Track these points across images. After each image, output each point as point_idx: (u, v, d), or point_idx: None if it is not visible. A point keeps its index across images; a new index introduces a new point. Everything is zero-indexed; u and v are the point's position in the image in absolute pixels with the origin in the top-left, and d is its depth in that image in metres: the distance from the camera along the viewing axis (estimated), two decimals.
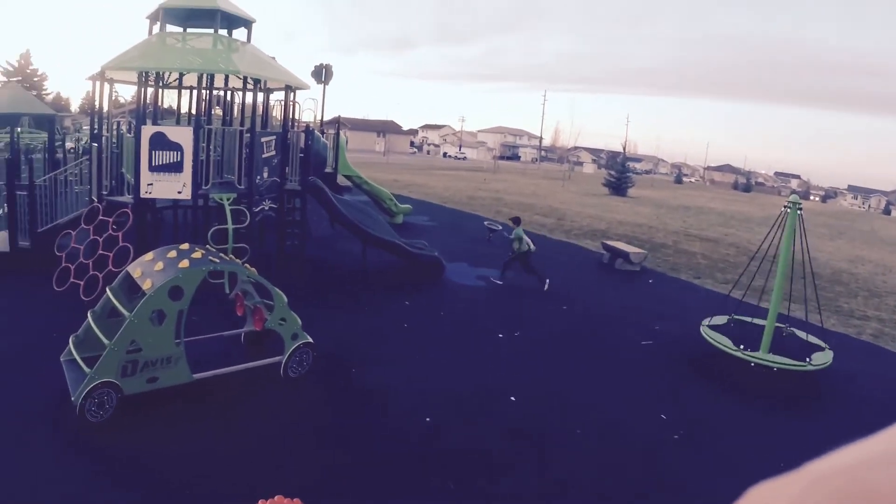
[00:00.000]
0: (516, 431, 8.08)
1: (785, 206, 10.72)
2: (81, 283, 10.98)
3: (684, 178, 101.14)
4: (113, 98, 13.55)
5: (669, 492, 7.01)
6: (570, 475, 7.18)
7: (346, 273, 14.44)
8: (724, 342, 10.63)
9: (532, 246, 15.09)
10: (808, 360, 10.14)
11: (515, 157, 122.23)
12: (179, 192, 11.75)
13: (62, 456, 6.78)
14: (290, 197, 14.35)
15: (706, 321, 11.61)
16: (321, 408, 8.22)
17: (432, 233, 20.75)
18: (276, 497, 4.22)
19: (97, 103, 13.83)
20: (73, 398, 7.26)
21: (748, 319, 11.89)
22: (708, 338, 10.91)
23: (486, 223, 20.60)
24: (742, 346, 10.39)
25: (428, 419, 8.13)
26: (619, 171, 48.47)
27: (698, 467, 7.52)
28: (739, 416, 8.96)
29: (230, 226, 11.57)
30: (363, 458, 7.15)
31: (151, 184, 11.54)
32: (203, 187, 12.14)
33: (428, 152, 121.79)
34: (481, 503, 6.40)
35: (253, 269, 8.86)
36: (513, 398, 8.99)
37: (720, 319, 11.80)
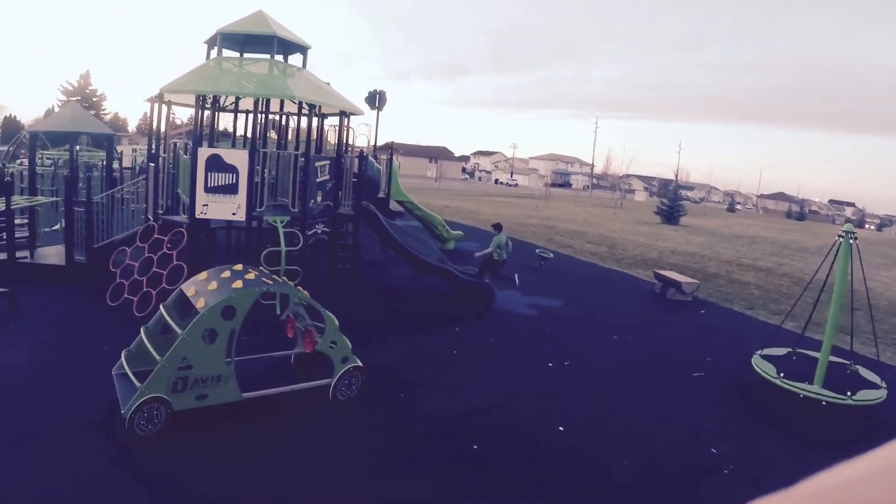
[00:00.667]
0: (563, 462, 7.96)
1: (839, 235, 10.44)
2: (135, 299, 11.14)
3: (737, 206, 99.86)
4: (170, 119, 13.75)
5: None
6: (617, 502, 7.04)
7: (396, 298, 14.44)
8: (774, 374, 10.38)
9: (504, 255, 15.38)
10: (848, 394, 9.82)
11: (567, 185, 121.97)
12: (234, 214, 11.88)
13: (109, 468, 6.84)
14: (342, 221, 14.44)
15: (759, 353, 11.32)
16: (369, 432, 8.17)
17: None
18: None
19: (155, 124, 14.09)
20: (122, 411, 7.36)
21: (803, 352, 11.56)
22: (760, 370, 10.65)
23: (537, 251, 20.51)
24: (782, 375, 10.14)
25: (475, 447, 8.05)
26: (671, 199, 47.89)
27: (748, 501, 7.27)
28: (790, 452, 8.69)
29: (283, 248, 11.64)
30: (410, 486, 7.10)
31: (206, 204, 11.69)
32: (257, 209, 12.26)
33: (480, 179, 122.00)
34: None
35: (305, 291, 8.89)
36: (561, 428, 8.86)
37: (774, 351, 11.47)
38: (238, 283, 8.00)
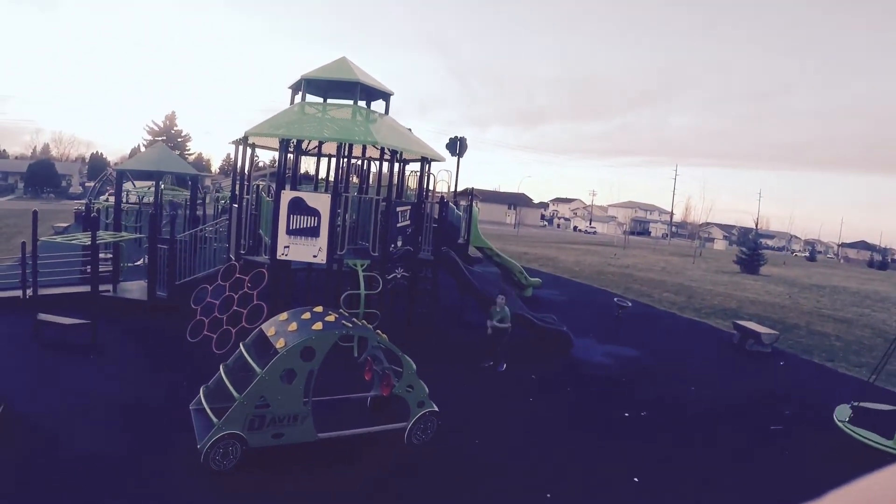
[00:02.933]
0: None
1: None
2: (214, 336, 11.33)
3: (818, 255, 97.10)
4: (254, 162, 14.10)
5: None
6: None
7: (474, 343, 14.37)
8: (858, 431, 9.91)
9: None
10: None
11: (646, 233, 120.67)
12: (315, 256, 12.03)
13: (186, 499, 6.92)
14: (421, 266, 14.51)
15: (840, 407, 10.77)
16: (441, 474, 8.06)
17: (561, 307, 20.48)
18: None
19: (239, 166, 14.42)
20: (199, 446, 7.44)
21: (881, 407, 10.95)
22: (841, 425, 10.16)
23: (615, 299, 20.18)
24: (876, 441, 9.62)
25: (549, 495, 7.93)
26: (750, 248, 46.80)
27: None
28: None
29: (363, 291, 11.72)
30: None
31: (288, 246, 11.88)
32: (338, 252, 12.39)
33: (558, 226, 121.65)
34: None
35: (384, 335, 8.91)
36: (636, 479, 8.67)
37: (853, 406, 10.89)
38: (318, 325, 8.07)
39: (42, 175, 69.38)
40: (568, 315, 17.39)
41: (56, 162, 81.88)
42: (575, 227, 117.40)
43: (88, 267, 14.07)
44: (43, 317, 11.45)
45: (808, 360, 16.48)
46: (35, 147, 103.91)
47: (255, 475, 7.53)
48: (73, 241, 14.79)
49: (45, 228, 17.81)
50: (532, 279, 22.67)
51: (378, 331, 9.08)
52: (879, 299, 32.41)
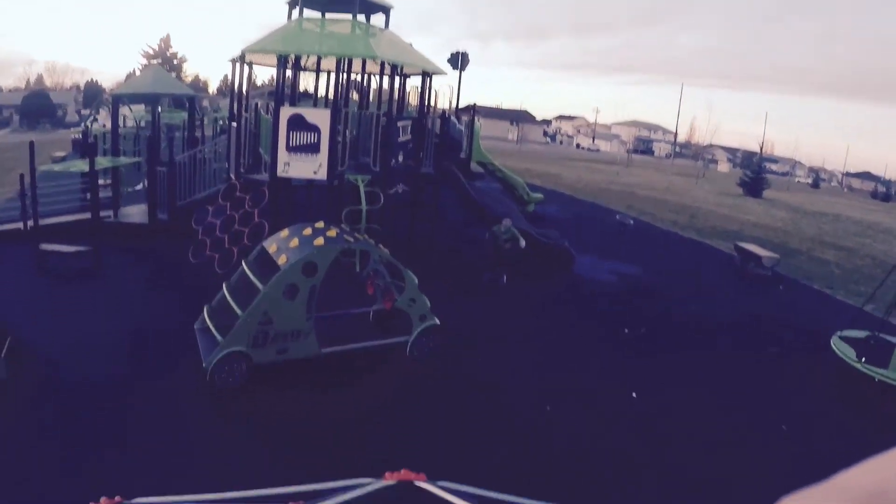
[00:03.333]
0: (634, 428, 7.92)
1: None
2: (217, 256, 11.28)
3: (822, 183, 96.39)
4: (251, 80, 13.82)
5: None
6: (690, 478, 6.97)
7: (476, 258, 14.35)
8: (853, 357, 9.94)
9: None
10: None
11: (649, 152, 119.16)
12: (315, 173, 11.88)
13: (193, 419, 6.99)
14: (423, 181, 14.41)
15: (838, 333, 10.84)
16: (444, 389, 8.12)
17: (563, 223, 20.36)
18: (402, 470, 4.08)
19: (237, 85, 14.16)
20: (204, 365, 7.46)
21: (884, 336, 10.94)
22: (838, 351, 10.22)
23: (618, 217, 20.12)
24: (864, 360, 9.68)
25: (548, 408, 8.00)
26: (754, 172, 46.52)
27: (813, 482, 7.03)
28: (859, 436, 8.34)
29: (364, 207, 11.63)
30: (484, 441, 7.14)
31: (288, 163, 11.73)
32: (339, 168, 12.24)
33: (561, 143, 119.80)
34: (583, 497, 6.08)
35: (385, 249, 8.86)
36: (634, 394, 8.78)
37: (854, 333, 10.88)
38: (320, 241, 7.99)
39: (37, 106, 68.37)
40: (570, 232, 17.28)
41: (51, 92, 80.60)
42: (578, 145, 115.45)
43: (88, 194, 13.93)
44: (45, 246, 11.37)
45: (808, 286, 16.48)
46: (28, 79, 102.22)
47: (259, 392, 7.58)
48: (71, 169, 14.67)
49: (44, 159, 17.63)
50: (534, 195, 22.46)
51: (380, 245, 9.02)
52: (881, 230, 32.22)
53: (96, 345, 8.31)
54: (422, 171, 13.92)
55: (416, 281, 8.80)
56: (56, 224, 13.51)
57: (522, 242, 12.27)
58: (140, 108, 23.95)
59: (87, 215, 13.55)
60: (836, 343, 10.44)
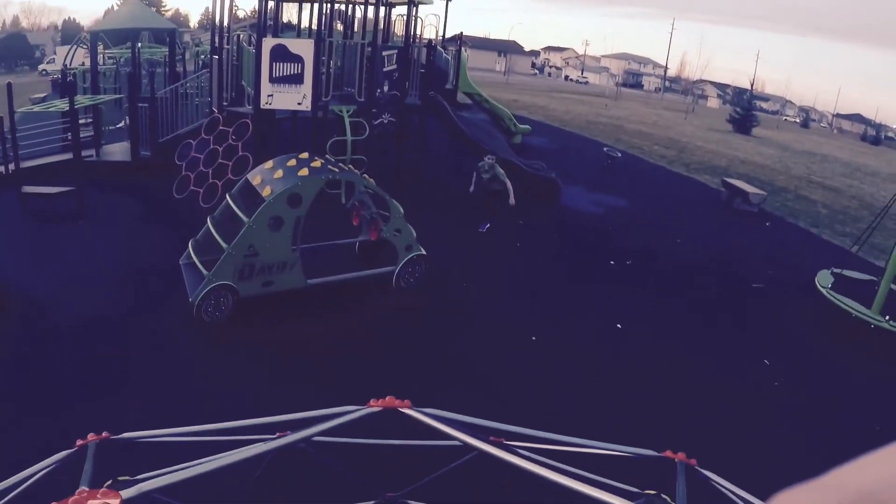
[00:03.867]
0: (619, 361, 7.98)
1: None
2: (201, 190, 11.15)
3: (811, 123, 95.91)
4: (233, 12, 13.48)
5: (759, 436, 6.79)
6: (667, 405, 7.09)
7: (463, 189, 14.27)
8: (839, 297, 9.94)
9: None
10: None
11: (638, 86, 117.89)
12: (299, 104, 11.71)
13: (181, 352, 7.00)
14: (409, 112, 14.24)
15: (822, 274, 10.85)
16: (430, 318, 8.14)
17: (550, 155, 20.12)
18: (387, 397, 4.07)
19: (218, 17, 13.84)
20: (190, 299, 7.41)
21: (862, 276, 11.02)
22: (823, 290, 10.24)
23: (605, 149, 20.03)
24: (874, 317, 9.60)
25: (534, 338, 8.02)
26: (744, 109, 46.27)
27: (790, 416, 7.25)
28: (843, 373, 8.49)
29: (349, 137, 11.50)
30: (469, 369, 7.24)
31: (271, 95, 11.54)
32: (323, 99, 12.05)
33: (549, 75, 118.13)
34: (575, 423, 6.20)
35: (371, 179, 8.77)
36: (619, 325, 8.84)
37: (837, 272, 10.90)
38: (304, 171, 7.89)
39: (14, 49, 67.07)
40: (557, 163, 17.10)
41: (27, 33, 78.99)
42: (566, 77, 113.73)
43: (69, 134, 13.67)
44: (27, 188, 11.19)
45: (794, 224, 16.47)
46: (4, 21, 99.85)
47: (246, 324, 7.57)
48: (50, 109, 14.36)
49: (23, 101, 17.25)
50: (521, 126, 22.21)
51: (365, 175, 8.92)
52: (869, 173, 32.10)
53: (82, 284, 8.23)
54: (407, 101, 13.73)
55: (402, 211, 8.73)
56: (38, 166, 13.28)
57: (512, 199, 11.51)
58: (119, 50, 23.41)
59: (69, 156, 13.30)
60: (820, 280, 10.48)
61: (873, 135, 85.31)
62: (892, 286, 10.26)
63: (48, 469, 3.52)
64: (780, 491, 0.54)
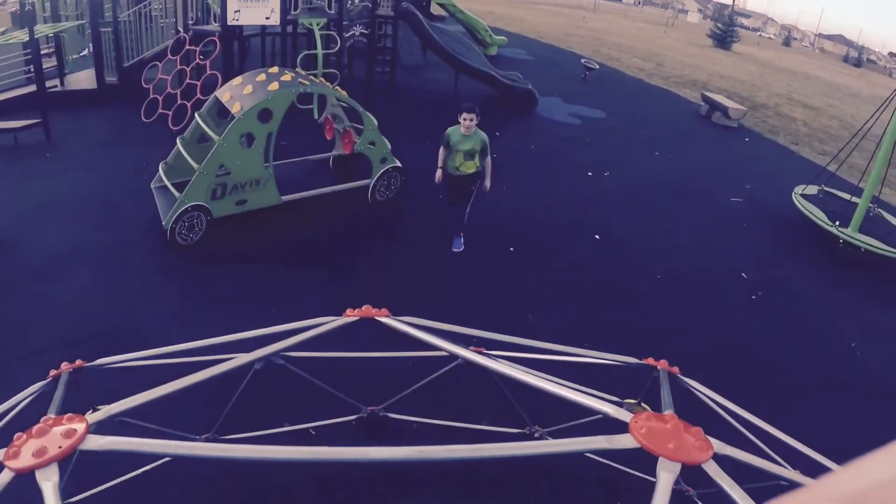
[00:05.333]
0: (597, 270, 8.02)
1: None
2: (170, 113, 10.85)
3: (793, 42, 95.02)
4: None
5: (735, 347, 6.86)
6: (643, 317, 7.12)
7: (437, 102, 14.02)
8: (815, 213, 10.01)
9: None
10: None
11: None
12: (267, 18, 11.31)
13: (157, 277, 6.86)
14: (381, 23, 13.91)
15: (799, 188, 10.86)
16: (407, 230, 8.08)
17: (526, 66, 19.84)
18: (363, 307, 3.98)
19: None
20: (163, 223, 7.24)
21: (841, 194, 10.99)
22: (799, 206, 10.27)
23: (582, 60, 19.76)
24: (838, 223, 9.66)
25: (511, 249, 7.99)
26: (725, 24, 45.77)
27: (769, 329, 7.30)
28: (817, 289, 8.55)
29: (320, 51, 11.19)
30: (447, 279, 7.28)
31: (238, 10, 11.11)
32: (292, 13, 11.69)
33: None
34: (553, 333, 6.13)
35: (343, 92, 8.53)
36: (597, 236, 8.87)
37: (813, 189, 10.94)
38: (274, 86, 7.63)
39: None
40: (533, 75, 16.81)
41: None
42: None
43: (31, 66, 13.21)
44: None
45: (773, 141, 16.34)
46: None
47: (221, 246, 7.45)
48: (10, 41, 13.85)
49: None
50: (497, 37, 21.80)
51: (337, 88, 8.68)
52: (850, 94, 31.83)
53: (55, 217, 7.95)
54: (379, 12, 13.37)
55: (376, 123, 8.55)
56: (1, 101, 12.89)
57: (488, 182, 7.76)
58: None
59: (33, 88, 12.89)
60: (797, 197, 10.48)
61: (855, 56, 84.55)
62: (870, 206, 10.34)
63: (25, 402, 3.43)
64: (768, 502, 0.56)
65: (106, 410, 2.63)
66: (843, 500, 0.45)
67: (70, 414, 2.52)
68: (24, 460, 2.22)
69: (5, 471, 2.20)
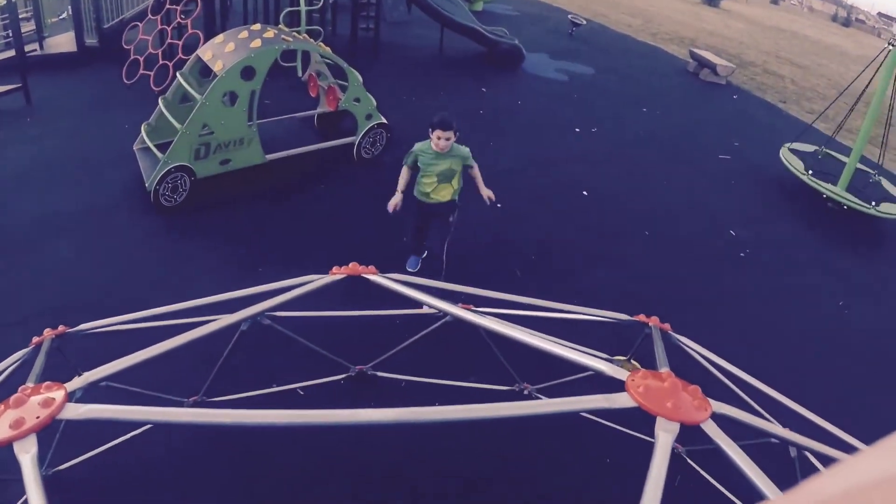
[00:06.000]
0: (585, 227, 8.02)
1: (890, 44, 9.68)
2: (151, 73, 10.67)
3: (781, 1, 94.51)
4: None
5: (725, 305, 6.90)
6: (632, 275, 7.12)
7: (422, 58, 13.85)
8: (800, 169, 10.00)
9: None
10: (873, 203, 9.33)
11: None
12: None
13: (142, 240, 6.80)
14: None
15: (787, 145, 10.83)
16: (392, 188, 8.04)
17: (513, 22, 19.50)
18: (350, 264, 3.93)
19: None
20: (146, 184, 7.15)
21: (836, 155, 10.99)
22: (787, 163, 10.26)
23: (569, 16, 19.58)
24: (810, 172, 9.75)
25: (499, 205, 7.95)
26: None
27: (758, 289, 7.33)
28: (806, 249, 8.59)
29: (303, 7, 11.02)
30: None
31: None
32: None
33: None
34: (540, 291, 6.07)
35: (327, 48, 8.41)
36: (585, 192, 8.85)
37: (802, 146, 10.92)
38: (257, 43, 7.50)
39: None
40: (519, 30, 16.57)
41: None
42: None
43: (9, 31, 12.96)
44: None
45: (761, 99, 16.22)
46: None
47: (205, 206, 7.37)
48: None
49: None
50: None
51: (321, 44, 8.55)
52: (839, 53, 31.60)
53: (37, 181, 7.82)
54: None
55: (361, 79, 8.43)
56: None
57: (486, 193, 6.38)
58: None
59: (12, 52, 12.66)
60: (784, 154, 10.49)
61: (844, 16, 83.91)
62: (871, 172, 10.37)
63: (8, 371, 3.39)
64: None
65: (85, 377, 2.58)
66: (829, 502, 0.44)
67: (48, 382, 2.46)
68: (2, 432, 2.16)
69: None
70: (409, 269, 6.53)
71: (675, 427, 2.25)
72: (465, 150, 6.12)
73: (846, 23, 76.02)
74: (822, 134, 11.43)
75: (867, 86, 10.25)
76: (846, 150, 10.96)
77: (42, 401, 2.29)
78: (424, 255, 6.70)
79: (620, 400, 2.40)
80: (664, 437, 2.20)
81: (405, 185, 6.16)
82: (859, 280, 8.02)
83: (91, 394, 2.63)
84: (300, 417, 2.55)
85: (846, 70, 24.57)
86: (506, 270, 6.74)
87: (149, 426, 4.13)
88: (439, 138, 5.85)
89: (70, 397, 2.40)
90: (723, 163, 10.87)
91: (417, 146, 6.08)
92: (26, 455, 2.12)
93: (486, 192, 6.26)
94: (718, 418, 2.43)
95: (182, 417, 2.54)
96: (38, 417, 2.22)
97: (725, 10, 41.37)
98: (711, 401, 2.48)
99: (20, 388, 2.45)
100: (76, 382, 2.52)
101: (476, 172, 6.24)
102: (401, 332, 4.43)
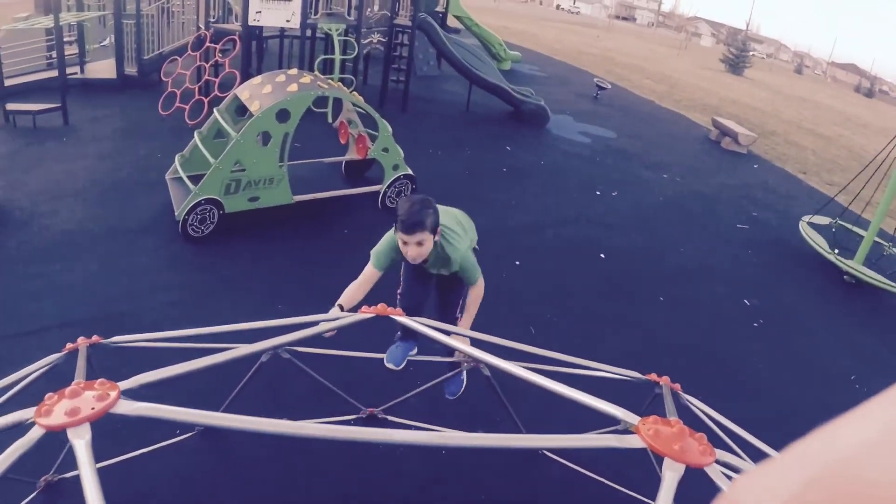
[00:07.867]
0: (601, 288, 8.04)
1: None
2: (187, 107, 10.98)
3: (805, 70, 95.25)
4: None
5: (736, 372, 6.88)
6: (644, 338, 7.12)
7: (449, 113, 14.12)
8: (820, 243, 10.03)
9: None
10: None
11: (631, 19, 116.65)
12: (288, 21, 11.47)
13: (167, 265, 6.95)
14: (398, 32, 14.03)
15: (806, 218, 10.90)
16: None
17: (539, 82, 19.99)
18: (379, 304, 4.06)
19: None
20: (176, 214, 7.34)
21: (851, 227, 11.04)
22: (806, 235, 10.31)
23: (595, 80, 19.87)
24: (836, 251, 9.75)
25: (517, 262, 8.07)
26: (738, 49, 45.96)
27: (770, 359, 7.30)
28: (822, 320, 8.56)
29: (338, 56, 11.32)
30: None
31: (260, 11, 11.28)
32: (312, 17, 11.82)
33: (541, 3, 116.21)
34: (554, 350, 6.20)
35: (359, 97, 8.65)
36: (602, 255, 8.90)
37: (821, 219, 10.97)
38: (293, 87, 7.75)
39: None
40: (546, 91, 16.97)
41: None
42: (558, 6, 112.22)
43: (53, 52, 13.36)
44: (11, 106, 10.93)
45: (782, 169, 16.40)
46: None
47: (231, 241, 7.54)
48: (35, 26, 14.01)
49: (6, 21, 16.81)
50: (511, 53, 22.03)
51: (354, 93, 8.80)
52: (861, 124, 31.87)
53: (70, 199, 8.06)
54: (397, 21, 13.52)
55: (391, 130, 8.65)
56: (22, 84, 12.99)
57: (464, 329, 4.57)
58: None
59: (54, 73, 13.03)
60: (804, 227, 10.55)
61: (867, 87, 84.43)
62: (886, 244, 10.42)
63: (38, 372, 3.50)
64: (740, 474, 0.50)
65: (136, 379, 2.69)
66: (818, 466, 0.43)
67: (101, 379, 2.59)
68: (57, 418, 2.26)
69: (35, 427, 2.26)
70: (390, 365, 4.46)
71: (681, 468, 2.37)
72: (461, 254, 4.26)
73: (869, 94, 76.25)
74: (839, 205, 11.51)
75: (885, 157, 10.32)
76: (859, 220, 11.11)
77: (97, 395, 2.41)
78: (415, 351, 4.61)
79: (631, 440, 2.53)
80: (670, 476, 2.32)
81: (351, 297, 4.30)
82: (872, 353, 8.00)
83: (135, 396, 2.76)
84: (341, 433, 2.66)
85: (868, 142, 24.75)
86: (520, 326, 6.81)
87: (189, 433, 4.37)
88: (405, 244, 3.98)
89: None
90: (741, 231, 10.94)
91: (385, 246, 4.38)
92: (81, 441, 2.21)
93: (464, 328, 4.44)
94: (722, 465, 2.55)
95: (233, 423, 2.63)
96: (93, 409, 2.32)
97: (749, 77, 41.77)
98: (716, 449, 2.60)
99: (74, 382, 2.57)
100: (127, 383, 2.63)
101: (473, 297, 4.50)
102: (416, 376, 4.54)
